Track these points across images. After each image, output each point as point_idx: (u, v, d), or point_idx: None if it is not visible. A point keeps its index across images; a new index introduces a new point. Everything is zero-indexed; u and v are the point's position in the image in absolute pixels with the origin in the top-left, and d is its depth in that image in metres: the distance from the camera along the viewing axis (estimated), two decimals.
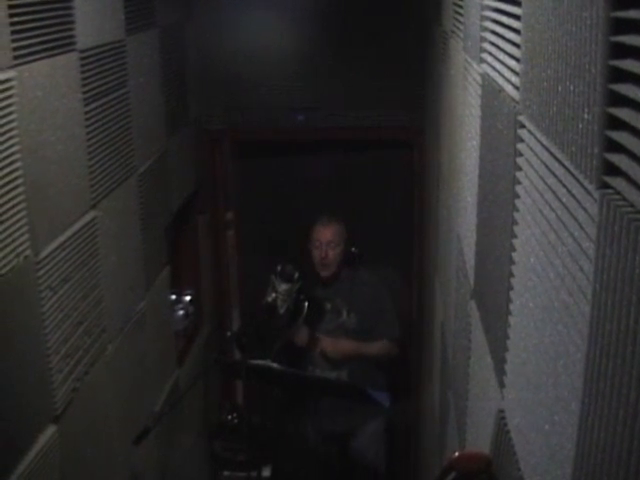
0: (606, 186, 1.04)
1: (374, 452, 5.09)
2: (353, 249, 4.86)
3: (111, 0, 3.28)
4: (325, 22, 5.04)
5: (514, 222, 1.67)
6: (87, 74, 2.95)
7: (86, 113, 2.96)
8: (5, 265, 2.28)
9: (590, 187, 1.08)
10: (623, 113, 0.99)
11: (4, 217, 2.28)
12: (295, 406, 5.13)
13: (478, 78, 2.26)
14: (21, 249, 2.39)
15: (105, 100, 3.17)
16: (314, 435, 5.07)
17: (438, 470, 2.16)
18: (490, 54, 2.08)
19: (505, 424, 1.72)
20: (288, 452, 5.17)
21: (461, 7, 2.82)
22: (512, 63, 1.73)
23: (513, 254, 1.68)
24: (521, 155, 1.59)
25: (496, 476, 1.75)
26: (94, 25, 3.03)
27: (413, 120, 5.11)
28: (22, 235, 2.40)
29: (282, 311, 4.28)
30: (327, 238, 4.75)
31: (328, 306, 4.83)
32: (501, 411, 1.78)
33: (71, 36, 2.81)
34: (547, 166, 1.34)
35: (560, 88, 1.24)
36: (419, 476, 5.36)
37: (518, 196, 1.63)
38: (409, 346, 5.36)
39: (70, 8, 2.79)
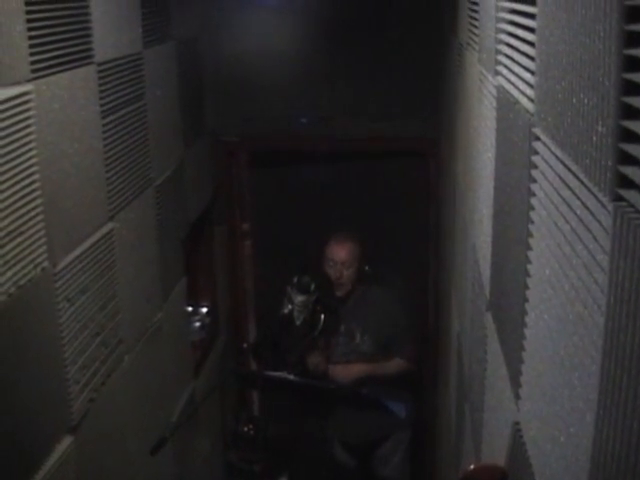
0: (620, 198, 1.04)
1: (397, 463, 5.07)
2: (367, 267, 4.83)
3: (128, 13, 3.30)
4: (340, 34, 5.05)
5: (529, 234, 1.67)
6: (105, 87, 2.98)
7: (104, 125, 2.98)
8: (23, 276, 2.30)
9: (604, 199, 1.08)
10: (637, 125, 0.99)
11: (22, 229, 2.30)
12: (312, 416, 5.13)
13: (493, 90, 2.27)
14: (39, 260, 2.41)
15: (122, 112, 3.19)
16: (333, 445, 5.07)
17: None
18: (505, 66, 2.09)
19: (521, 436, 1.72)
20: (305, 462, 5.17)
21: (476, 19, 2.82)
22: (527, 75, 1.74)
23: (528, 266, 1.68)
24: (536, 167, 1.59)
25: None
26: (112, 38, 3.06)
27: (429, 131, 5.11)
28: (40, 247, 2.42)
29: (298, 323, 4.27)
30: (341, 258, 4.71)
31: (342, 328, 4.81)
32: (517, 423, 1.78)
33: (89, 49, 2.83)
34: (561, 178, 1.34)
35: (574, 100, 1.24)
36: None
37: (533, 208, 1.63)
38: (424, 361, 5.33)
39: (88, 21, 2.81)
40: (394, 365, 4.79)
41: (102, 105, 2.96)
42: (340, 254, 4.71)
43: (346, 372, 4.71)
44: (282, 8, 5.10)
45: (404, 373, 4.85)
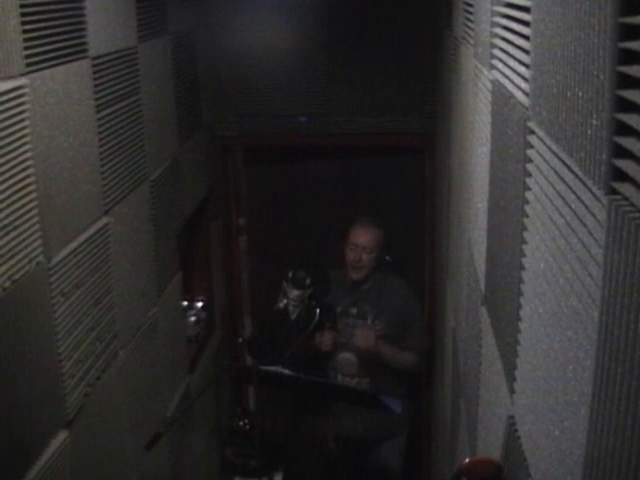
0: (614, 192, 1.04)
1: (393, 464, 5.06)
2: (387, 257, 4.82)
3: (123, 7, 3.29)
4: (336, 29, 5.04)
5: (524, 228, 1.67)
6: (99, 81, 2.97)
7: (98, 120, 2.97)
8: (18, 271, 2.30)
9: (599, 193, 1.08)
10: (631, 119, 0.99)
11: (17, 223, 2.30)
12: (308, 411, 5.13)
13: (488, 84, 2.27)
14: (34, 255, 2.41)
15: (117, 107, 3.18)
16: (329, 440, 5.07)
17: (449, 476, 2.16)
18: (500, 60, 2.09)
19: (515, 430, 1.72)
20: (300, 457, 5.17)
21: (471, 14, 2.82)
22: (522, 69, 1.74)
23: (523, 260, 1.68)
24: (531, 161, 1.59)
25: None
26: (106, 32, 3.05)
27: (424, 126, 5.11)
28: (35, 241, 2.42)
29: (294, 317, 4.27)
30: (363, 243, 4.71)
31: (354, 310, 4.81)
32: (511, 417, 1.78)
33: (83, 43, 2.82)
34: (556, 172, 1.34)
35: (569, 94, 1.24)
36: None
37: (528, 202, 1.63)
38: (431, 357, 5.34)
39: (82, 15, 2.80)
40: (409, 357, 4.81)
41: (97, 99, 2.95)
42: (363, 238, 4.72)
43: (367, 337, 4.70)
44: (279, 4, 5.09)
45: (413, 368, 4.87)
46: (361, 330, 4.72)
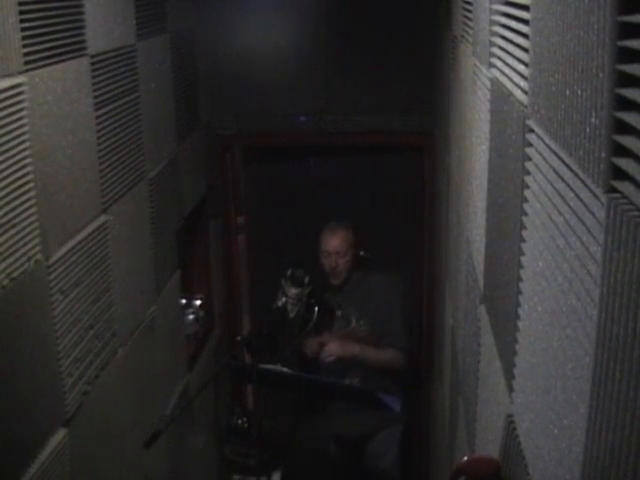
0: (613, 190, 1.04)
1: (389, 458, 5.06)
2: (362, 252, 4.82)
3: (122, 5, 3.29)
4: (336, 28, 5.04)
5: (523, 226, 1.67)
6: (98, 79, 2.97)
7: (97, 118, 2.97)
8: (16, 269, 2.29)
9: (598, 191, 1.08)
10: (630, 117, 0.99)
11: (15, 221, 2.29)
12: (307, 410, 5.13)
13: (487, 83, 2.27)
14: (32, 253, 2.41)
15: (116, 105, 3.18)
16: (327, 439, 5.06)
17: (448, 474, 2.15)
18: (499, 59, 2.09)
19: (514, 428, 1.72)
20: (299, 456, 5.17)
21: (470, 12, 2.82)
22: (521, 67, 1.74)
23: (522, 258, 1.68)
24: (530, 159, 1.59)
25: None
26: (105, 30, 3.05)
27: (423, 125, 5.11)
28: (33, 239, 2.41)
29: (292, 315, 4.27)
30: (335, 248, 4.71)
31: (339, 313, 4.81)
32: (510, 415, 1.78)
33: (82, 41, 2.82)
34: (555, 170, 1.34)
35: (568, 92, 1.24)
36: None
37: (527, 200, 1.63)
38: (419, 355, 5.33)
39: (81, 13, 2.80)
40: (389, 355, 4.78)
41: (95, 97, 2.95)
42: (333, 244, 4.71)
43: (340, 348, 4.68)
44: (278, 2, 5.08)
45: (396, 367, 4.85)
46: (333, 345, 4.71)
